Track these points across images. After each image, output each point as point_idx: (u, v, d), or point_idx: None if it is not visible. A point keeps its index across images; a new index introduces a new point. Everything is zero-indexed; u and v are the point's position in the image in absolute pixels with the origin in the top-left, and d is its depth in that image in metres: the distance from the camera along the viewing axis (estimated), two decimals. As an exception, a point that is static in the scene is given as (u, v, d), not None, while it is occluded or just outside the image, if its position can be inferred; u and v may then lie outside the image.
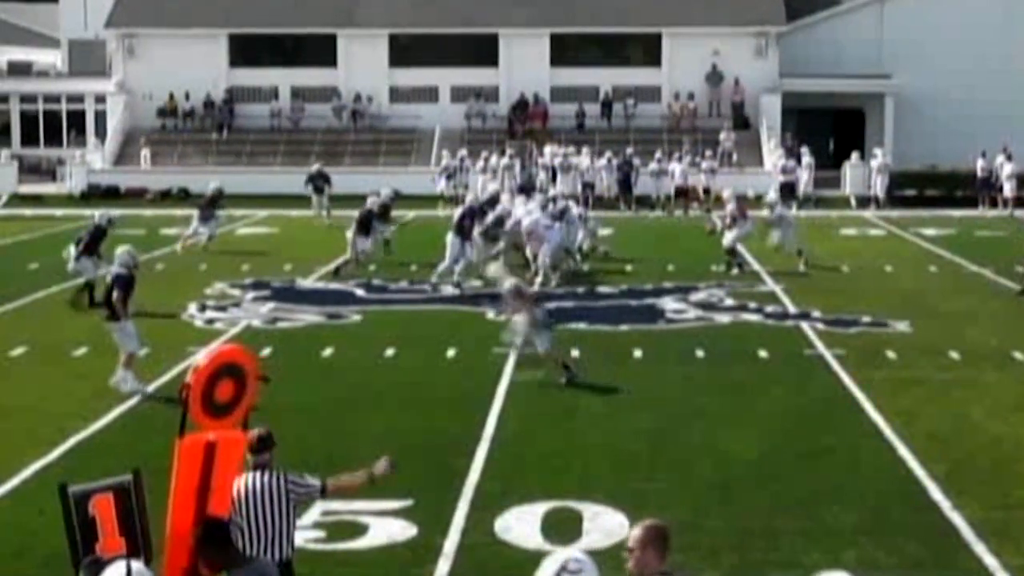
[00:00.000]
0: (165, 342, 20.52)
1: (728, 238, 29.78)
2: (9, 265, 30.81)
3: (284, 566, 8.70)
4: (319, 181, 40.54)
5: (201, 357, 8.60)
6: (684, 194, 44.50)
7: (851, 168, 47.68)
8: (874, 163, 46.19)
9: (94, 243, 24.76)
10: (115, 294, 17.87)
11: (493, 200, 30.65)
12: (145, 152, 50.41)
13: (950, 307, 24.70)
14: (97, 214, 26.25)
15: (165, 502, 8.31)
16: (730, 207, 30.21)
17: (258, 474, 8.80)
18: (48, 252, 29.69)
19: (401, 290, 26.53)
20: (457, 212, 28.49)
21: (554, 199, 31.60)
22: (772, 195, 43.04)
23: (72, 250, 24.67)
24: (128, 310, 18.01)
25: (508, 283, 19.26)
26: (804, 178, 45.53)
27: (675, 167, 44.95)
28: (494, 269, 19.46)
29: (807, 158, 45.79)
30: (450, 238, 27.11)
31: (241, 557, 7.92)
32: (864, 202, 45.49)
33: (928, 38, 50.65)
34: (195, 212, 33.79)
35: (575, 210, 31.09)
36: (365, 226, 29.10)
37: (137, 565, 6.91)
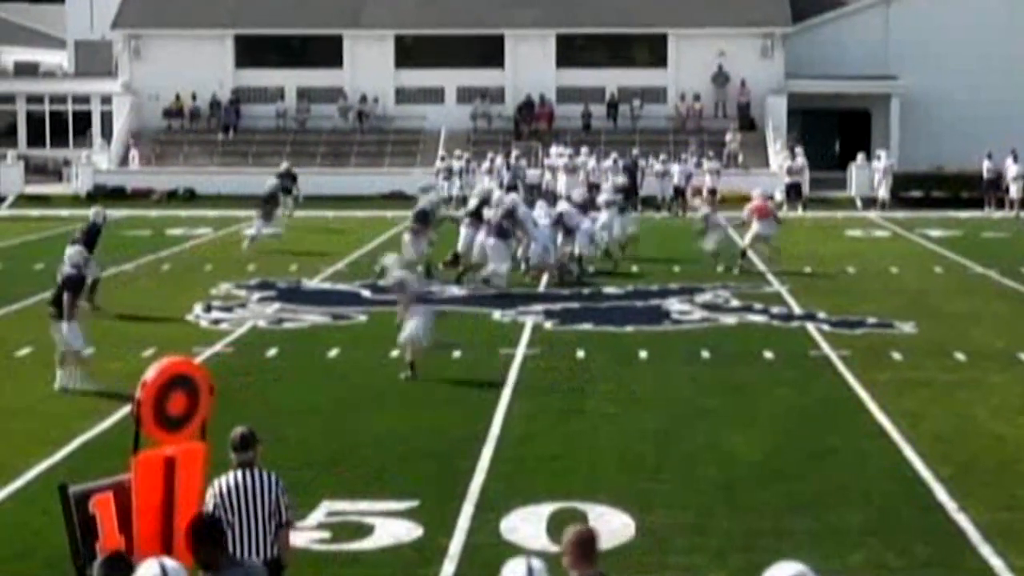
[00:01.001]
0: (170, 343, 20.49)
1: (747, 238, 29.69)
2: (15, 266, 30.82)
3: (271, 564, 8.65)
4: (287, 180, 40.13)
5: (148, 372, 8.33)
6: (681, 194, 44.44)
7: (857, 169, 47.57)
8: (878, 165, 46.11)
9: (91, 241, 24.30)
10: (65, 295, 18.03)
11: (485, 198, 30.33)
12: (133, 153, 50.34)
13: (955, 308, 24.66)
14: (92, 212, 26.10)
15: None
16: (746, 210, 29.99)
17: (243, 473, 8.70)
18: (54, 253, 29.57)
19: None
20: (495, 215, 27.86)
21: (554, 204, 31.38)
22: (778, 196, 43.09)
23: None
24: (76, 311, 18.13)
25: (395, 275, 19.02)
26: None
27: (673, 168, 44.86)
28: (388, 260, 19.23)
29: (801, 159, 45.60)
30: (492, 242, 26.97)
31: (230, 558, 7.86)
32: (870, 203, 45.40)
33: (934, 39, 50.57)
34: (255, 212, 33.89)
35: (585, 219, 30.30)
36: (423, 224, 28.65)
37: (172, 563, 6.85)
